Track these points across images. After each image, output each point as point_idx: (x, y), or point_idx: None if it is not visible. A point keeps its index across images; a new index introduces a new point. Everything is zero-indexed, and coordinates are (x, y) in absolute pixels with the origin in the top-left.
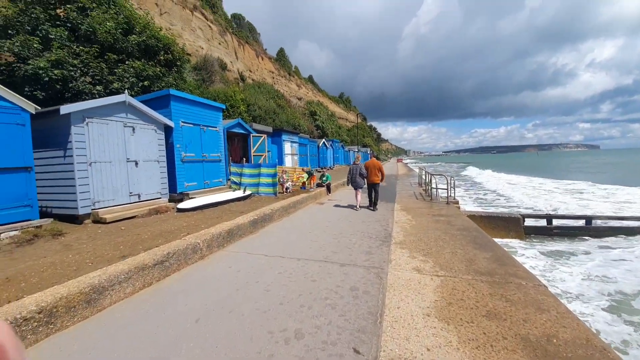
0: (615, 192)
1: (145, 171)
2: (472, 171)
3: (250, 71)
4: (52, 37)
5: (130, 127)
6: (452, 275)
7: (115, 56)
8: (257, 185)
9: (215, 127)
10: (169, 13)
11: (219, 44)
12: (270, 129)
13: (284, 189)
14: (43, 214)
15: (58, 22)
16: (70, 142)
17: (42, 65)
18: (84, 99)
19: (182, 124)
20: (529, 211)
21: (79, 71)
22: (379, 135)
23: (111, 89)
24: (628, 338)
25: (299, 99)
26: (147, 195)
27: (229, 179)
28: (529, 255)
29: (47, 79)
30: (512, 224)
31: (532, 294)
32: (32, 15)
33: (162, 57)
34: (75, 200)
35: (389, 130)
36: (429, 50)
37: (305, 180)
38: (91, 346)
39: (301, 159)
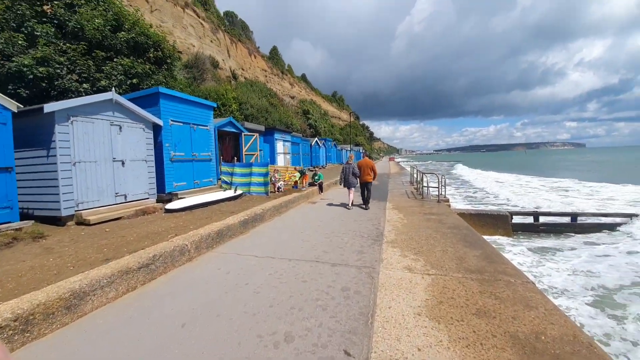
0: (600, 189)
1: (132, 171)
2: (461, 170)
3: (243, 69)
4: (38, 34)
5: (117, 125)
6: (442, 274)
7: (103, 53)
8: (249, 184)
9: (206, 126)
10: (159, 10)
11: (211, 41)
12: (262, 128)
13: (276, 189)
14: (24, 216)
15: (45, 19)
16: (54, 141)
17: (26, 62)
18: (71, 97)
19: (172, 122)
20: (517, 209)
21: (65, 69)
22: (371, 134)
23: (98, 87)
24: (610, 331)
25: (292, 97)
26: (134, 196)
27: (220, 179)
28: (516, 252)
29: (31, 76)
30: (500, 222)
31: (521, 291)
32: (18, 12)
33: (151, 55)
34: (58, 202)
35: (382, 129)
36: (422, 49)
37: (297, 179)
38: (70, 354)
39: (293, 158)
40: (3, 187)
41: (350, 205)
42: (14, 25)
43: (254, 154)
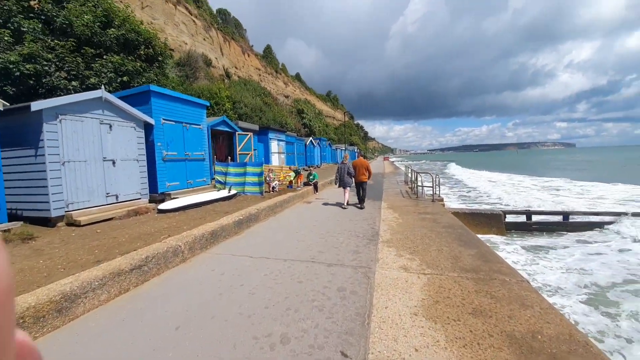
0: (591, 188)
1: (123, 170)
2: (454, 169)
3: (236, 68)
4: (24, 29)
5: (107, 124)
6: (438, 273)
7: (92, 50)
8: (243, 184)
9: (199, 125)
10: (150, 7)
11: (204, 39)
12: (256, 127)
13: (271, 188)
14: (12, 217)
15: (32, 15)
16: (42, 140)
17: (12, 59)
18: (59, 95)
19: (164, 121)
20: (509, 208)
21: (53, 66)
22: (366, 133)
23: (88, 85)
24: (604, 328)
25: (286, 96)
26: (125, 196)
27: (214, 179)
28: (510, 251)
29: (18, 73)
30: (493, 220)
31: (516, 290)
32: (4, 7)
33: (142, 52)
34: (48, 202)
35: (376, 129)
36: (416, 49)
37: (292, 179)
38: (62, 358)
39: (288, 158)
40: None
41: (345, 204)
42: (0, 20)
43: (248, 154)
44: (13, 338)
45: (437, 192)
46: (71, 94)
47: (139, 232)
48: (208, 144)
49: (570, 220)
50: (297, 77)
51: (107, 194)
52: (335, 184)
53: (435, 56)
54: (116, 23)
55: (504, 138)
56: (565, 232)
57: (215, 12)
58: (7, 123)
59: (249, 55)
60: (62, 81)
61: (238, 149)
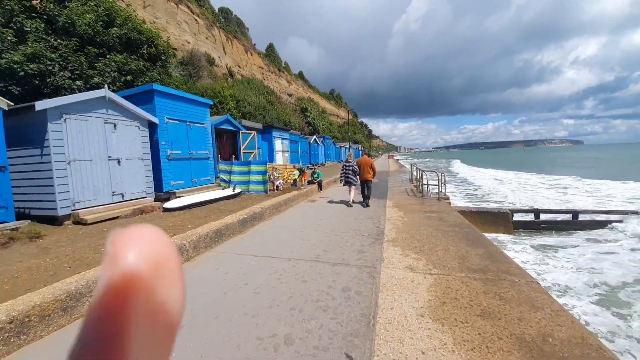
0: (599, 186)
1: (128, 169)
2: (459, 167)
3: (239, 67)
4: (27, 29)
5: (112, 123)
6: (445, 273)
7: (95, 50)
8: (247, 183)
9: (203, 124)
10: (152, 6)
11: (206, 38)
12: (260, 126)
13: (275, 187)
14: (20, 216)
15: (34, 14)
16: (47, 139)
17: (16, 59)
18: (64, 95)
19: (167, 120)
20: (517, 206)
21: (57, 65)
22: (370, 131)
23: (92, 84)
24: (616, 329)
25: (290, 95)
26: (131, 195)
27: (218, 177)
28: (518, 250)
29: (22, 73)
30: (501, 219)
31: (526, 291)
32: (6, 7)
33: (145, 51)
34: (54, 201)
35: (380, 127)
36: (418, 47)
37: (296, 177)
38: None
39: (292, 156)
40: None
41: (350, 202)
42: (3, 20)
43: (252, 152)
44: None
45: (443, 191)
46: (76, 93)
47: None
48: (212, 142)
49: (579, 219)
50: (300, 75)
51: (113, 192)
52: (341, 182)
53: (437, 54)
54: (118, 22)
55: (510, 135)
56: (574, 231)
57: (217, 10)
58: (13, 123)
59: (251, 54)
60: (67, 81)
61: (242, 148)
